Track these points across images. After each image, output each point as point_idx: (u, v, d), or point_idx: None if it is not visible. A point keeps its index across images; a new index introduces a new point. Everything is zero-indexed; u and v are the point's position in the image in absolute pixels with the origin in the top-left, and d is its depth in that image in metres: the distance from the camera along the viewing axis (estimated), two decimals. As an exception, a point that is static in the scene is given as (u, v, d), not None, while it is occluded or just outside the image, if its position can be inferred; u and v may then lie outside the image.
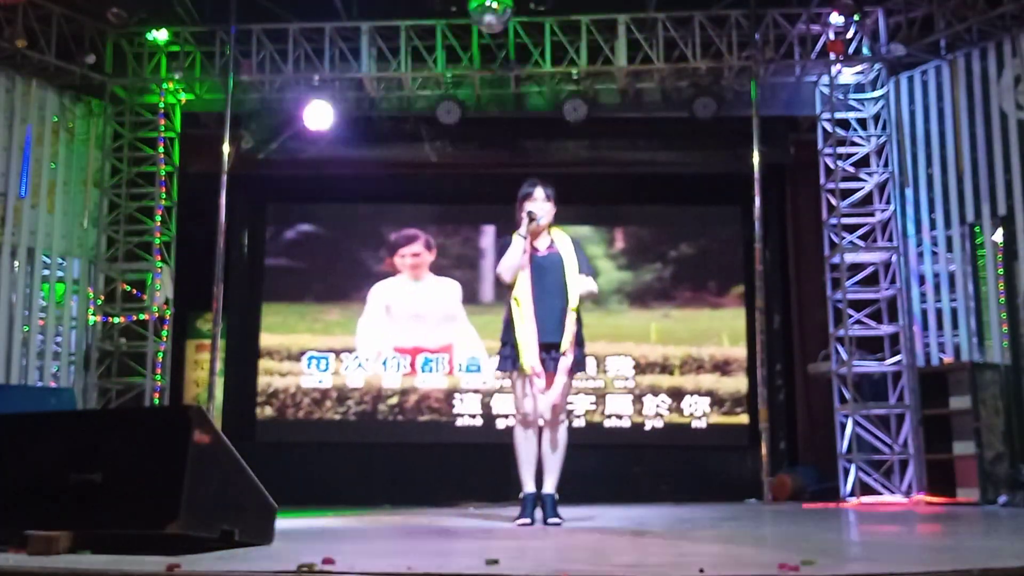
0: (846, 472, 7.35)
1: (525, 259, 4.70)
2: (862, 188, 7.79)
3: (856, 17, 7.65)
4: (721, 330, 9.02)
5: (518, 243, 4.70)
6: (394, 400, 8.95)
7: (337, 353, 9.03)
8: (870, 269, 7.73)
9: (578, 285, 4.72)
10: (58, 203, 7.74)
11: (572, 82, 7.92)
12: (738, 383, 8.92)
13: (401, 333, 9.05)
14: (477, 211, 9.07)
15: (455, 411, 8.90)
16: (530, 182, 4.84)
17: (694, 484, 8.28)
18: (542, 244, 4.80)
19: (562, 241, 4.81)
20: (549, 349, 4.65)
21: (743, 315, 8.96)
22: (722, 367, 8.95)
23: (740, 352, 8.93)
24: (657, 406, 8.88)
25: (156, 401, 7.80)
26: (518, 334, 4.65)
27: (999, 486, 6.44)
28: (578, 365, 4.74)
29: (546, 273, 4.71)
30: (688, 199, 9.24)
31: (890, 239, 7.69)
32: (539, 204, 4.75)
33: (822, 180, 7.87)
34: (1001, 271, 7.07)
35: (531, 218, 4.70)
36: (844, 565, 2.67)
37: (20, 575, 2.47)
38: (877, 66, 7.80)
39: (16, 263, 7.37)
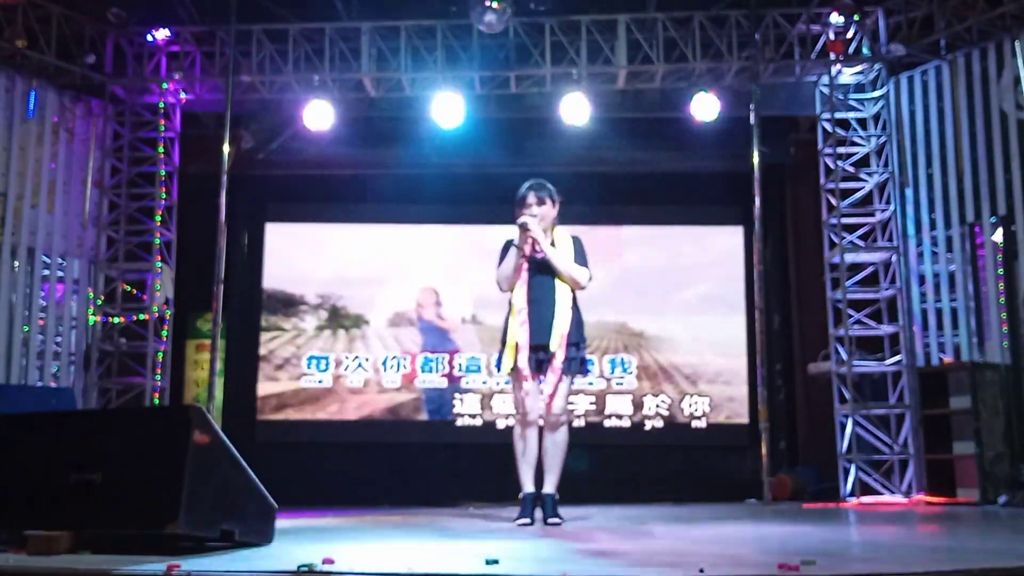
0: (846, 472, 7.34)
1: (523, 264, 4.71)
2: (862, 188, 7.79)
3: (856, 17, 7.65)
4: (719, 330, 9.03)
5: (512, 253, 4.71)
6: (394, 400, 8.96)
7: (337, 354, 9.03)
8: (870, 269, 7.72)
9: (571, 266, 4.71)
10: (58, 203, 7.73)
11: (572, 82, 7.91)
12: (738, 383, 8.92)
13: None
14: (477, 211, 9.06)
15: (455, 411, 8.90)
16: (526, 185, 4.82)
17: (694, 484, 8.28)
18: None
19: (563, 242, 4.81)
20: (542, 350, 4.65)
21: (743, 315, 8.96)
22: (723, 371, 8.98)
23: (739, 352, 8.93)
24: (657, 406, 8.89)
25: (156, 401, 7.80)
26: (509, 334, 4.67)
27: (999, 486, 6.43)
28: (577, 366, 4.73)
29: (542, 274, 4.71)
30: (688, 199, 9.24)
31: (890, 239, 7.68)
32: (532, 210, 4.73)
33: (822, 180, 7.86)
34: (1001, 271, 7.07)
35: (523, 229, 4.69)
36: (844, 565, 2.67)
37: (20, 575, 2.47)
38: (877, 66, 7.79)
39: (16, 263, 7.37)
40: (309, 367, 9.01)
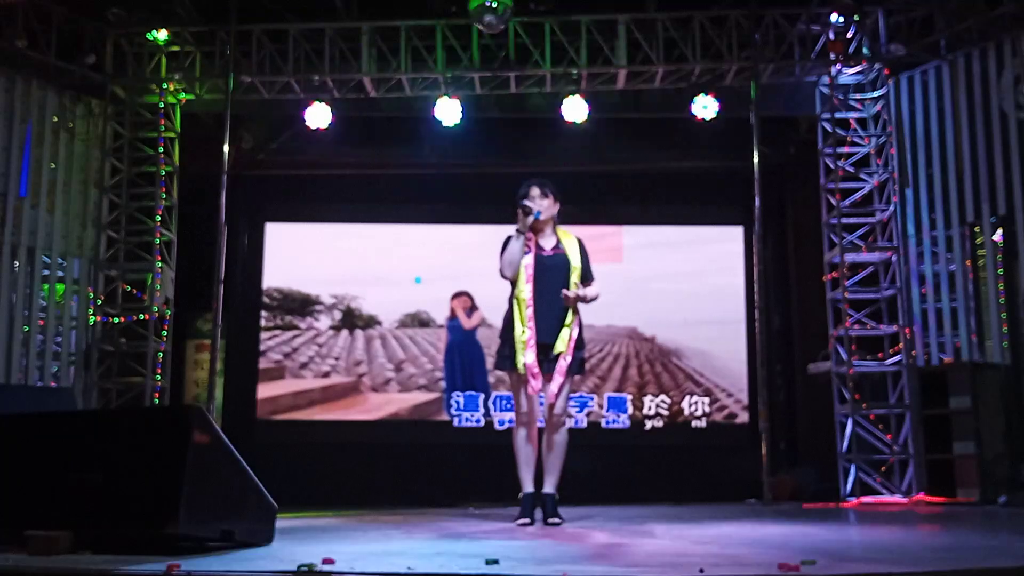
0: (846, 472, 7.34)
1: (529, 256, 4.70)
2: (862, 188, 7.79)
3: (856, 17, 7.64)
4: (718, 330, 9.03)
5: (515, 239, 4.71)
6: (394, 401, 8.96)
7: (337, 354, 9.04)
8: (870, 269, 7.72)
9: (586, 290, 4.73)
10: (58, 203, 7.73)
11: (572, 82, 7.91)
12: (738, 383, 8.92)
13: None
14: (477, 211, 9.07)
15: (454, 411, 8.91)
16: (527, 182, 4.84)
17: (694, 484, 8.28)
18: (547, 244, 4.79)
19: (568, 243, 4.81)
20: (547, 350, 4.64)
21: (743, 315, 8.96)
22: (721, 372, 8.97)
23: (739, 352, 8.93)
24: (657, 406, 8.89)
25: (156, 401, 7.79)
26: (516, 333, 4.65)
27: (999, 486, 6.43)
28: (577, 367, 4.74)
29: (549, 273, 4.70)
30: (688, 199, 9.24)
31: (890, 239, 7.68)
32: (536, 202, 4.76)
33: (822, 180, 7.86)
34: (1001, 271, 7.07)
35: (525, 212, 4.69)
36: (844, 565, 2.67)
37: (20, 575, 2.47)
38: (877, 66, 7.79)
39: (16, 263, 7.36)
40: (308, 367, 9.01)
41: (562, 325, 4.64)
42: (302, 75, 7.93)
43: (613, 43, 7.79)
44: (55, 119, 7.78)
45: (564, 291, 4.64)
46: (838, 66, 7.77)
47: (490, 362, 8.90)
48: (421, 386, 9.00)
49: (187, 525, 2.86)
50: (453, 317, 9.10)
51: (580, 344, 4.73)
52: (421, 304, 9.15)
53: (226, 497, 3.09)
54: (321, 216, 9.37)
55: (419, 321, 9.15)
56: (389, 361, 9.05)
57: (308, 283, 9.22)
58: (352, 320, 9.15)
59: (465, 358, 9.02)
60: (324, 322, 9.16)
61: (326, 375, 9.03)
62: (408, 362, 9.04)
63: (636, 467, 8.57)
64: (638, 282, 9.03)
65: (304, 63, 7.93)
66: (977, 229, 7.31)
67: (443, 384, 8.99)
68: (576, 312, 4.72)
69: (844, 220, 7.67)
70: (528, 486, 4.67)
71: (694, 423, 8.87)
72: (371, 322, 9.14)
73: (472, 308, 9.05)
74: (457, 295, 9.10)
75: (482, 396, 8.91)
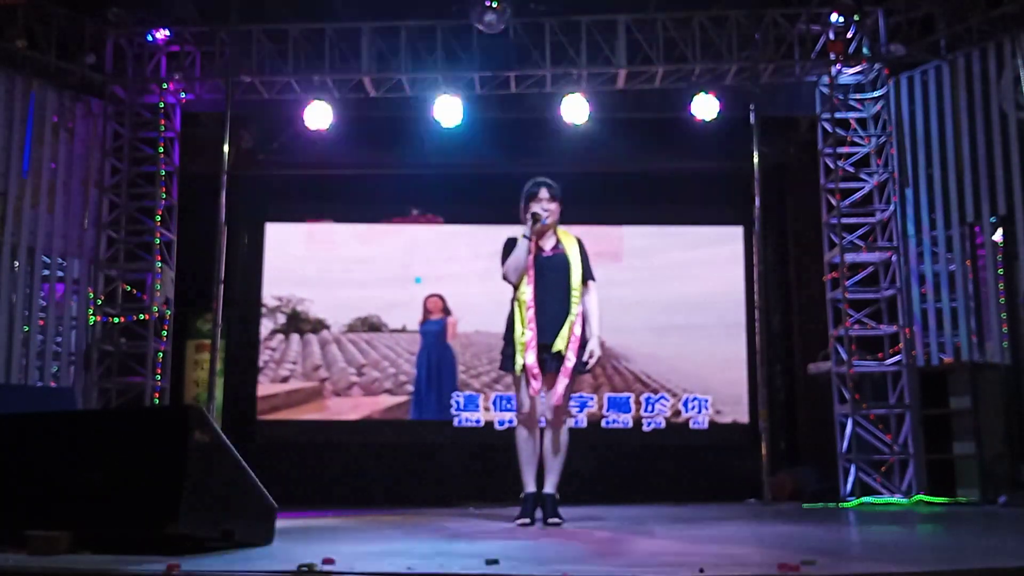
0: (846, 472, 7.34)
1: (529, 259, 4.71)
2: (862, 188, 7.79)
3: (856, 17, 7.64)
4: (719, 330, 9.03)
5: (522, 244, 4.71)
6: (393, 401, 8.96)
7: (337, 353, 9.03)
8: (870, 269, 7.72)
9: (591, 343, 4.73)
10: (58, 203, 7.73)
11: (572, 82, 7.91)
12: (738, 383, 8.92)
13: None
14: (476, 211, 9.07)
15: (454, 411, 8.91)
16: (535, 182, 4.84)
17: (694, 484, 8.29)
18: (547, 244, 4.80)
19: (568, 242, 4.82)
20: (548, 349, 4.65)
21: (743, 315, 8.96)
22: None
23: (740, 352, 8.93)
24: (657, 406, 8.88)
25: (156, 401, 7.79)
26: (517, 333, 4.66)
27: (999, 486, 6.44)
28: (582, 366, 4.74)
29: (549, 274, 4.71)
30: (688, 199, 9.24)
31: (890, 239, 7.68)
32: (543, 204, 4.76)
33: (822, 180, 7.86)
34: (1001, 271, 7.07)
35: (535, 219, 4.70)
36: (844, 565, 2.67)
37: (20, 575, 2.47)
38: (877, 66, 7.79)
39: (16, 263, 7.36)
40: (310, 366, 9.01)
41: (562, 324, 4.65)
42: (302, 75, 7.92)
43: (613, 43, 7.79)
44: (55, 119, 7.78)
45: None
46: (838, 66, 7.77)
47: (460, 365, 8.91)
48: (386, 390, 8.98)
49: (187, 525, 2.86)
50: (426, 320, 9.08)
51: (583, 343, 4.73)
52: (411, 305, 9.13)
53: (226, 497, 3.09)
54: (321, 216, 9.36)
55: (369, 325, 9.13)
56: (350, 365, 9.03)
57: (308, 282, 9.21)
58: (335, 322, 9.15)
59: (433, 360, 8.99)
60: (267, 325, 9.15)
61: (285, 380, 9.02)
62: (369, 366, 9.02)
63: (636, 467, 8.58)
64: (637, 282, 9.02)
65: (304, 63, 7.92)
66: (977, 229, 7.31)
67: (410, 387, 8.97)
68: (577, 309, 4.72)
69: (844, 220, 7.67)
70: (530, 486, 4.67)
71: (694, 423, 8.86)
72: (357, 322, 9.14)
73: (445, 311, 9.04)
74: (430, 297, 9.09)
75: (481, 396, 8.91)
